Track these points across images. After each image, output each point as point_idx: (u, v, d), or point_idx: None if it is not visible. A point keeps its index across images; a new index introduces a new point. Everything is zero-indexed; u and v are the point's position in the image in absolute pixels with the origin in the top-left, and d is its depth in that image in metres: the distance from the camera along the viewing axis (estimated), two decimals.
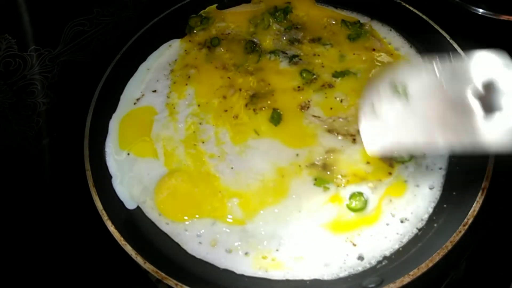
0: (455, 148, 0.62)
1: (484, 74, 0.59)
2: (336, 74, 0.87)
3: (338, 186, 0.73)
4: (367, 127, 0.73)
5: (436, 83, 0.63)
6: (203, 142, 0.81)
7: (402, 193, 0.73)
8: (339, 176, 0.74)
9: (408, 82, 0.66)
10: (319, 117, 0.81)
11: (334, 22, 0.97)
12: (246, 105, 0.84)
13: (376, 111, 0.69)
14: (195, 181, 0.75)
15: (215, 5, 1.03)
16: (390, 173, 0.74)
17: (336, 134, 0.79)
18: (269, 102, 0.83)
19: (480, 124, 0.58)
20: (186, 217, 0.73)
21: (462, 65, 0.63)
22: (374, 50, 0.91)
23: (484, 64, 0.61)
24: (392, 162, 0.75)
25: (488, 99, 0.58)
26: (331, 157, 0.76)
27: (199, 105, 0.85)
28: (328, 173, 0.75)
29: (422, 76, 0.65)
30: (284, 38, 0.95)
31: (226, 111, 0.83)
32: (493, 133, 0.57)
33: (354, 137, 0.78)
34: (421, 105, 0.65)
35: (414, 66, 0.71)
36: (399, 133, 0.68)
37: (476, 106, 0.59)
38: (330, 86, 0.85)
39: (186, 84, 0.89)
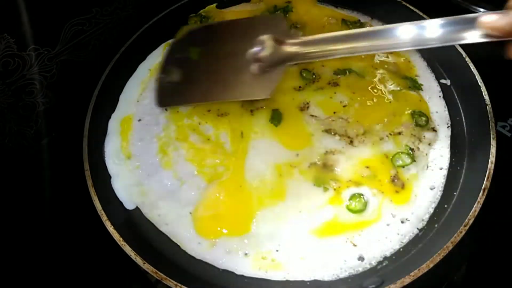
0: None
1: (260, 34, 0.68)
2: (337, 73, 0.86)
3: (338, 186, 0.73)
4: (159, 86, 0.79)
5: (224, 43, 0.73)
6: (202, 142, 0.80)
7: (403, 193, 0.73)
8: (339, 177, 0.74)
9: (202, 43, 0.75)
10: (319, 117, 0.80)
11: (334, 21, 0.96)
12: (243, 105, 0.83)
13: (170, 71, 0.77)
14: (234, 196, 0.73)
15: (215, 4, 1.03)
16: (390, 174, 0.74)
17: (336, 135, 0.78)
18: (267, 102, 0.83)
19: (248, 81, 0.68)
20: (215, 238, 0.71)
21: (246, 24, 0.74)
22: None
23: (263, 23, 0.72)
24: (392, 164, 0.75)
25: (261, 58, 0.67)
26: (331, 157, 0.76)
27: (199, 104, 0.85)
28: (328, 173, 0.74)
29: (213, 36, 0.75)
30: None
31: (224, 114, 0.83)
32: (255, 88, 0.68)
33: (352, 139, 0.78)
34: (205, 65, 0.75)
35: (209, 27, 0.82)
36: (186, 91, 0.76)
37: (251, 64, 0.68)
38: (330, 85, 0.85)
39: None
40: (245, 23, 0.77)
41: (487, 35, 0.57)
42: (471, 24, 0.59)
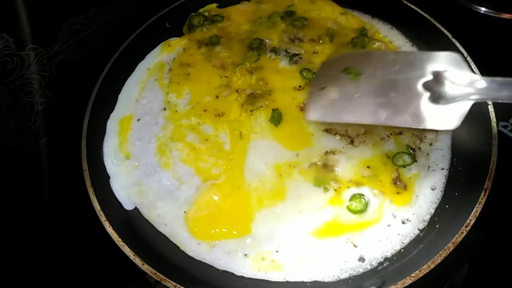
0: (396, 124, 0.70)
1: (436, 67, 0.67)
2: None
3: (338, 187, 0.73)
4: (312, 99, 0.78)
5: (389, 70, 0.71)
6: (201, 142, 0.80)
7: (404, 194, 0.72)
8: (340, 177, 0.74)
9: (362, 66, 0.73)
10: None
11: (338, 22, 0.96)
12: (242, 105, 0.83)
13: (325, 87, 0.75)
14: (231, 198, 0.73)
15: (215, 4, 1.02)
16: (392, 175, 0.73)
17: (336, 135, 0.78)
18: (266, 102, 0.82)
19: (424, 110, 0.66)
20: (212, 240, 0.71)
21: (417, 57, 0.72)
22: None
23: (437, 59, 0.69)
24: (394, 164, 0.75)
25: (436, 90, 0.66)
26: (332, 157, 0.76)
27: (198, 103, 0.85)
28: (329, 173, 0.74)
29: (376, 62, 0.74)
30: (286, 36, 0.94)
31: (221, 114, 0.83)
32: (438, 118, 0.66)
33: (353, 139, 0.77)
34: (370, 87, 0.71)
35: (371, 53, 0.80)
36: (342, 108, 0.73)
37: (424, 94, 0.67)
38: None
39: (185, 84, 0.88)
40: (411, 55, 0.77)
41: None
42: None
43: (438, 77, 0.66)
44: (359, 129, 0.78)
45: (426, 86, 0.67)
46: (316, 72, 0.80)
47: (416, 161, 0.75)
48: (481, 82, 0.64)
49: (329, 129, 0.79)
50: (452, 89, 0.65)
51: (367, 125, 0.78)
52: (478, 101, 0.66)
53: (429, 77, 0.67)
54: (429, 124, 0.67)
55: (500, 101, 0.63)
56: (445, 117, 0.66)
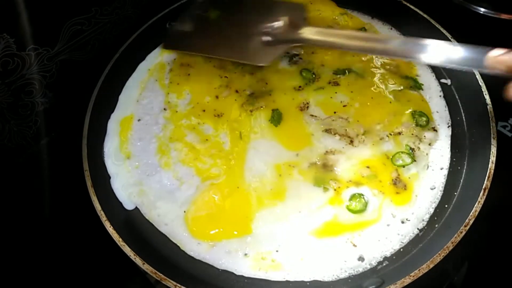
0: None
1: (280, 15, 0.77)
2: (337, 73, 0.86)
3: (338, 187, 0.73)
4: (172, 32, 0.87)
5: (243, 13, 0.82)
6: (201, 142, 0.80)
7: (403, 194, 0.72)
8: (339, 177, 0.74)
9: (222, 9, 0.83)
10: (318, 117, 0.80)
11: (338, 22, 0.96)
12: (242, 105, 0.83)
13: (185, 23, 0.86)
14: (230, 197, 0.73)
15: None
16: (392, 176, 0.74)
17: (336, 135, 0.78)
18: (266, 102, 0.83)
19: (254, 48, 0.76)
20: (211, 241, 0.71)
21: (270, 5, 0.81)
22: None
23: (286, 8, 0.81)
24: (393, 164, 0.75)
25: (271, 33, 0.77)
26: (331, 157, 0.76)
27: (198, 103, 0.85)
28: (328, 173, 0.74)
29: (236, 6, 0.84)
30: None
31: (221, 115, 0.83)
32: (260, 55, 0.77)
33: (352, 139, 0.77)
34: (222, 26, 0.83)
35: None
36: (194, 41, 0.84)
37: (261, 36, 0.77)
38: (331, 85, 0.85)
39: (185, 84, 0.88)
40: (268, 2, 0.85)
41: (492, 68, 0.61)
42: (481, 54, 0.62)
43: (276, 22, 0.75)
44: (358, 129, 0.78)
45: (266, 29, 0.76)
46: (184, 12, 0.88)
47: (415, 161, 0.75)
48: (305, 29, 0.73)
49: (329, 129, 0.79)
50: (279, 32, 0.75)
51: (366, 125, 0.78)
52: (295, 45, 0.79)
53: (270, 22, 0.76)
54: (251, 59, 0.78)
55: (311, 45, 0.77)
56: (264, 55, 0.76)
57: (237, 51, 0.79)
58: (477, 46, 0.64)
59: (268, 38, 0.74)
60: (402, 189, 0.73)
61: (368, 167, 0.74)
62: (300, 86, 0.85)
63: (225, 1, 0.84)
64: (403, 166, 0.75)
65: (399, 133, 0.78)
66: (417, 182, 0.74)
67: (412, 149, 0.76)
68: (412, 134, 0.78)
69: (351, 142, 0.77)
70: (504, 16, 0.96)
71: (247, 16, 0.79)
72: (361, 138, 0.77)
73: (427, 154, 0.77)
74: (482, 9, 0.96)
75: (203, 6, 0.84)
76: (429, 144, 0.78)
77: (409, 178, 0.74)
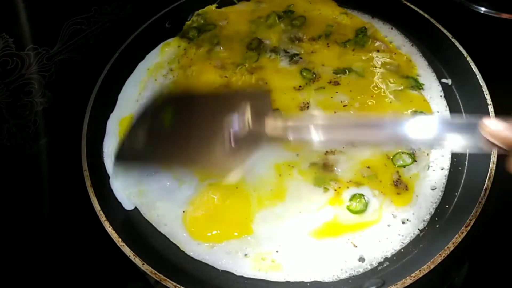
0: None
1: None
2: (337, 72, 0.86)
3: (338, 187, 0.73)
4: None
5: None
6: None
7: (404, 194, 0.72)
8: (340, 177, 0.74)
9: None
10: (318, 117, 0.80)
11: (338, 21, 0.96)
12: None
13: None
14: (230, 198, 0.72)
15: (215, 5, 1.02)
16: (393, 177, 0.73)
17: None
18: None
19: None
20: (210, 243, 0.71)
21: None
22: (378, 51, 0.90)
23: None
24: (393, 164, 0.74)
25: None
26: (332, 157, 0.75)
27: None
28: (329, 173, 0.74)
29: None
30: (286, 36, 0.94)
31: None
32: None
33: None
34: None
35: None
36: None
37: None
38: (331, 85, 0.84)
39: (185, 84, 0.88)
40: (227, 95, 0.73)
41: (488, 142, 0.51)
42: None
43: (240, 121, 0.62)
44: None
45: (230, 132, 0.62)
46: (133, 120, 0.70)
47: (416, 161, 0.75)
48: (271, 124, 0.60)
49: None
50: (245, 135, 0.61)
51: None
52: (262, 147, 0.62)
53: (233, 121, 0.62)
54: (217, 170, 0.66)
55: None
56: (230, 165, 0.62)
57: (200, 161, 0.64)
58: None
59: (232, 144, 0.61)
60: (403, 189, 0.72)
61: (368, 167, 0.74)
62: (300, 86, 0.85)
63: (179, 102, 0.68)
64: (404, 166, 0.74)
65: None
66: (417, 182, 0.74)
67: (413, 149, 0.76)
68: None
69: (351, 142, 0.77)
70: (504, 16, 0.96)
71: (205, 117, 0.65)
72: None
73: (427, 154, 0.77)
74: (483, 9, 0.96)
75: (155, 112, 0.68)
76: None
77: (410, 178, 0.74)
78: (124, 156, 0.67)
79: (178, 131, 0.65)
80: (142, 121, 0.67)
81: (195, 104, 0.67)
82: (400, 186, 0.73)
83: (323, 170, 0.74)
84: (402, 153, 0.75)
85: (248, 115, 0.61)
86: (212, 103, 0.67)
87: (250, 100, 0.64)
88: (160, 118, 0.66)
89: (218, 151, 0.62)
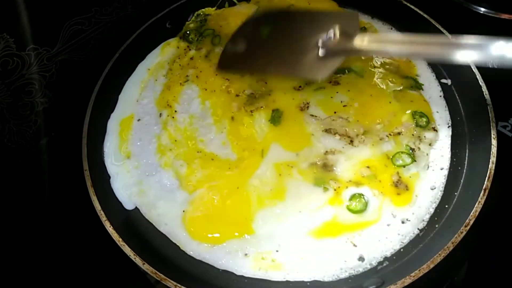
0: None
1: (331, 25, 0.72)
2: (336, 72, 0.86)
3: (338, 186, 0.73)
4: (224, 53, 0.84)
5: (293, 28, 0.78)
6: (202, 142, 0.80)
7: (404, 194, 0.72)
8: (339, 177, 0.74)
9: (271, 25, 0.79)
10: (319, 117, 0.80)
11: None
12: (243, 106, 0.83)
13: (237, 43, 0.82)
14: (230, 198, 0.73)
15: (215, 6, 1.02)
16: (392, 178, 0.73)
17: (336, 135, 0.78)
18: (266, 102, 0.82)
19: (310, 62, 0.73)
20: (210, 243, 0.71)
21: (320, 16, 0.78)
22: None
23: (336, 17, 0.78)
24: (393, 164, 0.75)
25: (325, 45, 0.72)
26: (331, 157, 0.76)
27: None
28: (328, 173, 0.74)
29: (284, 21, 0.80)
30: None
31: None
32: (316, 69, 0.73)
33: (352, 139, 0.77)
34: (273, 43, 0.78)
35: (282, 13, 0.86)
36: (248, 60, 0.80)
37: (315, 49, 0.73)
38: (331, 85, 0.84)
39: (184, 84, 0.88)
40: (320, 14, 0.83)
41: None
42: None
43: (330, 33, 0.72)
44: (358, 129, 0.78)
45: (320, 42, 0.72)
46: (234, 31, 0.84)
47: (415, 161, 0.75)
48: (359, 39, 0.69)
49: (329, 129, 0.79)
50: (333, 44, 0.71)
51: (366, 125, 0.78)
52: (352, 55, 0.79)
53: (324, 34, 0.72)
54: (307, 74, 0.75)
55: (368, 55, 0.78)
56: (319, 69, 0.72)
57: (292, 68, 0.76)
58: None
59: (323, 51, 0.71)
60: (403, 189, 0.73)
61: (368, 167, 0.74)
62: (300, 86, 0.85)
63: (276, 17, 0.82)
64: (403, 166, 0.74)
65: (399, 133, 0.78)
66: (417, 182, 0.74)
67: (412, 149, 0.76)
68: (412, 134, 0.78)
69: (351, 142, 0.77)
70: (504, 16, 0.96)
71: (299, 31, 0.77)
72: (361, 138, 0.77)
73: (427, 154, 0.77)
74: (482, 9, 0.96)
75: (254, 25, 0.83)
76: (429, 144, 0.78)
77: (410, 178, 0.74)
78: (227, 58, 0.82)
79: (274, 42, 0.77)
80: (243, 31, 0.81)
81: (290, 20, 0.80)
82: (400, 186, 0.73)
83: (323, 170, 0.75)
84: (402, 153, 0.75)
85: (336, 30, 0.71)
86: (305, 19, 0.78)
87: (339, 19, 0.75)
88: (258, 29, 0.79)
89: (310, 58, 0.73)
